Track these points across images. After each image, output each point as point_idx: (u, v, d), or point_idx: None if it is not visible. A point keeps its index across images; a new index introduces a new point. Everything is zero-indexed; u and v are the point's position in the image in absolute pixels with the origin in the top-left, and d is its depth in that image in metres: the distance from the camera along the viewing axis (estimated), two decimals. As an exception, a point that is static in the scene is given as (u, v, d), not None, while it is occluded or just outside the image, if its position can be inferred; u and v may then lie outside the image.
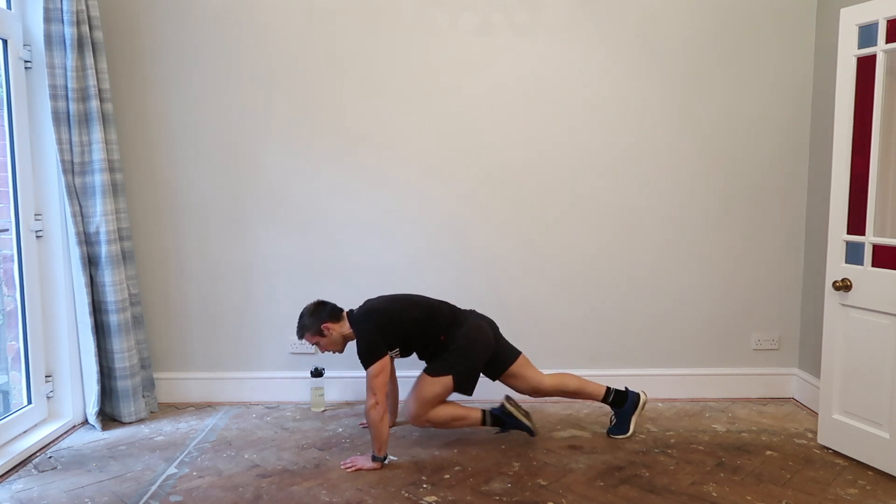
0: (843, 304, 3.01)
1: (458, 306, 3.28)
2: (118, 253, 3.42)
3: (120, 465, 3.00)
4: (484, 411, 3.17)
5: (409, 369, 3.59)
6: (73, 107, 3.25)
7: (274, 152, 3.67)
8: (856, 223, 2.95)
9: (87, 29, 3.28)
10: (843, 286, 2.98)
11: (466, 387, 3.08)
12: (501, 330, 3.31)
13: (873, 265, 2.90)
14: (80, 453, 3.13)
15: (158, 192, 3.70)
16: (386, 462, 2.97)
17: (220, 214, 3.71)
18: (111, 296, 3.38)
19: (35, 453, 3.12)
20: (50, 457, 3.09)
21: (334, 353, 3.16)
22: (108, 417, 3.52)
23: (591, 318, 3.80)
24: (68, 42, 3.19)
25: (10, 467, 2.95)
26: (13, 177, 3.23)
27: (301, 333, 3.11)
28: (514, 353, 3.25)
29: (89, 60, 3.29)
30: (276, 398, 3.81)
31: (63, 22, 3.19)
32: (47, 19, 3.16)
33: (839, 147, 3.00)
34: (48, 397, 3.41)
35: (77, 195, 3.33)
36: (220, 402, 3.79)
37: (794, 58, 3.66)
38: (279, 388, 3.80)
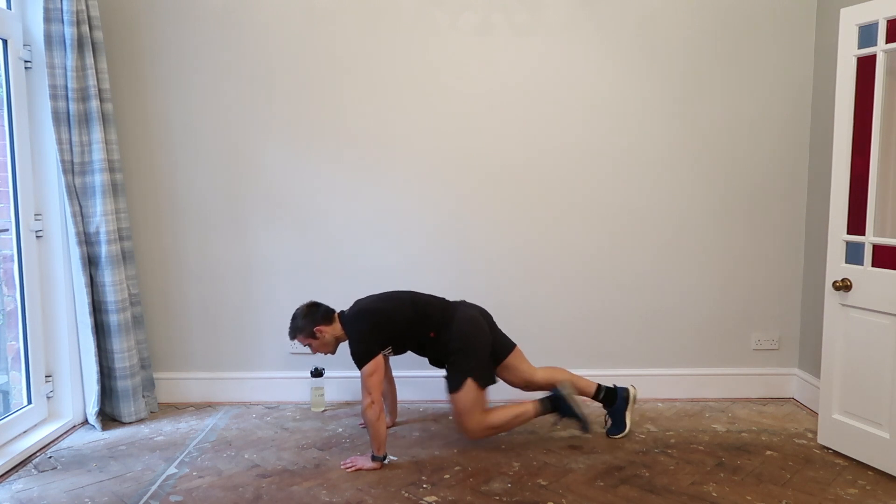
0: (843, 304, 3.01)
1: (448, 298, 3.28)
2: (118, 253, 3.42)
3: (120, 465, 3.00)
4: (537, 401, 3.14)
5: (408, 369, 3.60)
6: (73, 107, 3.25)
7: (274, 152, 3.68)
8: (856, 223, 2.95)
9: (87, 29, 3.28)
10: (843, 286, 2.98)
11: (487, 378, 3.08)
12: (502, 330, 3.31)
13: (873, 265, 2.90)
14: (80, 453, 3.13)
15: (158, 192, 3.70)
16: (386, 462, 2.97)
17: (220, 214, 3.71)
18: (111, 296, 3.38)
19: (35, 453, 3.12)
20: (50, 457, 3.09)
21: (326, 354, 3.16)
22: (108, 417, 3.52)
23: (591, 318, 3.80)
24: (68, 42, 3.19)
25: (10, 467, 2.95)
26: (13, 177, 3.23)
27: (293, 335, 3.12)
28: (509, 345, 3.26)
29: (89, 60, 3.29)
30: (276, 398, 3.81)
31: (63, 22, 3.19)
32: (47, 19, 3.16)
33: (839, 147, 3.00)
34: (48, 397, 3.41)
35: (77, 195, 3.33)
36: (220, 402, 3.80)
37: (794, 58, 3.66)
38: (279, 388, 3.80)
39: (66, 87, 3.24)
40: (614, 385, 3.34)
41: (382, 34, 3.62)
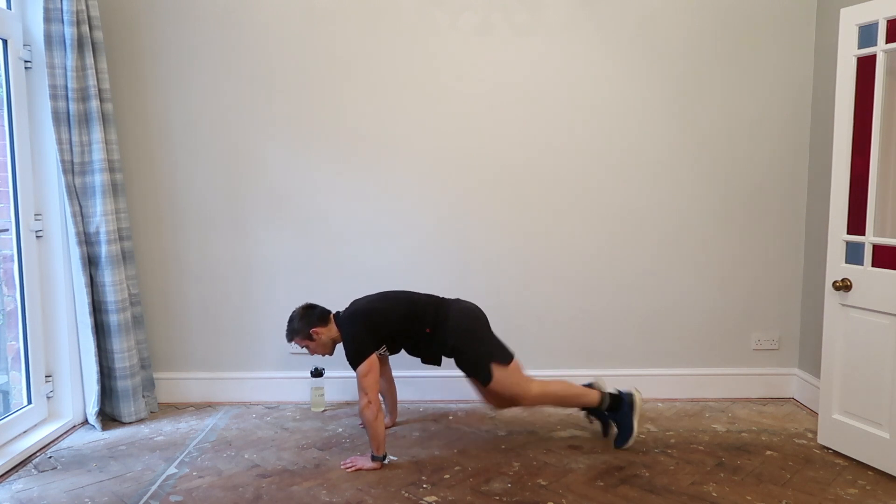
0: (843, 304, 3.01)
1: (442, 296, 3.28)
2: (118, 253, 3.42)
3: (120, 465, 3.00)
4: (604, 392, 3.12)
5: (408, 369, 3.60)
6: (73, 107, 3.25)
7: (274, 152, 3.68)
8: (856, 223, 2.95)
9: (87, 29, 3.28)
10: (843, 286, 2.98)
11: (506, 354, 3.06)
12: (501, 329, 3.29)
13: (873, 265, 2.90)
14: (80, 453, 3.13)
15: (158, 192, 3.70)
16: (385, 462, 2.97)
17: (220, 214, 3.71)
18: (111, 296, 3.38)
19: (35, 453, 3.12)
20: (50, 457, 3.09)
21: (323, 355, 3.16)
22: (108, 417, 3.52)
23: (591, 318, 3.80)
24: (68, 42, 3.19)
25: (10, 467, 2.95)
26: (13, 177, 3.23)
27: (290, 337, 3.13)
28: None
29: (89, 60, 3.29)
30: (276, 398, 3.81)
31: (63, 22, 3.19)
32: (47, 19, 3.16)
33: (839, 147, 3.00)
34: (48, 397, 3.41)
35: (77, 195, 3.33)
36: (220, 402, 3.79)
37: (794, 58, 3.66)
38: (279, 388, 3.80)
39: (66, 87, 3.24)
40: (618, 390, 3.31)
41: (382, 34, 3.62)
